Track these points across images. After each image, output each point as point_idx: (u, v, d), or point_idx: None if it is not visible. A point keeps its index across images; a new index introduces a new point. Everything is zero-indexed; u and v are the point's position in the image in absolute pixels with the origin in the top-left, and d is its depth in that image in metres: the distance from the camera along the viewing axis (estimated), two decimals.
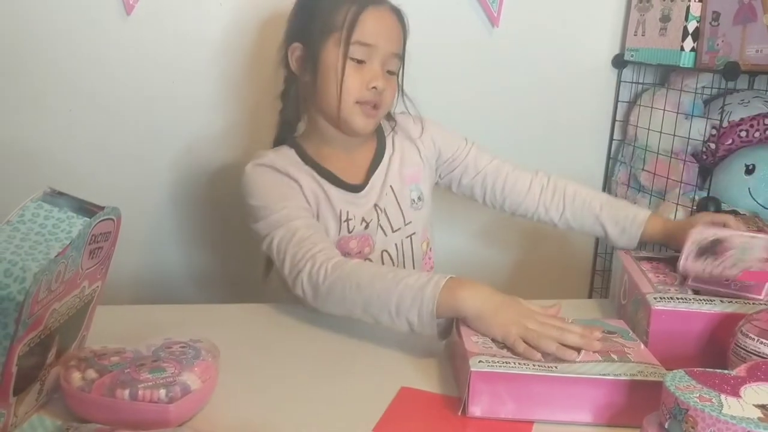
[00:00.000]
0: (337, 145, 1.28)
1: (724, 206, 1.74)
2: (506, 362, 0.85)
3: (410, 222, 1.32)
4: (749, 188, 1.77)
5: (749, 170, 1.78)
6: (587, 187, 1.39)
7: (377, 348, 1.03)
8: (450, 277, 0.97)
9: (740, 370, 0.81)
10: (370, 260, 1.27)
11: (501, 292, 0.97)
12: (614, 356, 0.88)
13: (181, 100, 1.63)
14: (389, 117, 1.35)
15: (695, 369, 0.80)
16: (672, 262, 1.21)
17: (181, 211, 1.71)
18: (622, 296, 1.17)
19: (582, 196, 1.35)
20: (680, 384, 0.76)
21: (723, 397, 0.74)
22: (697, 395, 0.74)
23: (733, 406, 0.72)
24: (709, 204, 1.69)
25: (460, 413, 0.84)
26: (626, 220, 1.29)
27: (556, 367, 0.84)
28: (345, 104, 1.20)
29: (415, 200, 1.33)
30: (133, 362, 0.82)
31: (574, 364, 0.85)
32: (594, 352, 0.89)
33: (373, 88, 1.20)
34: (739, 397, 0.75)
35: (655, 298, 1.02)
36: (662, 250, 1.76)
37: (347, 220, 1.25)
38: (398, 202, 1.31)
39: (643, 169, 1.86)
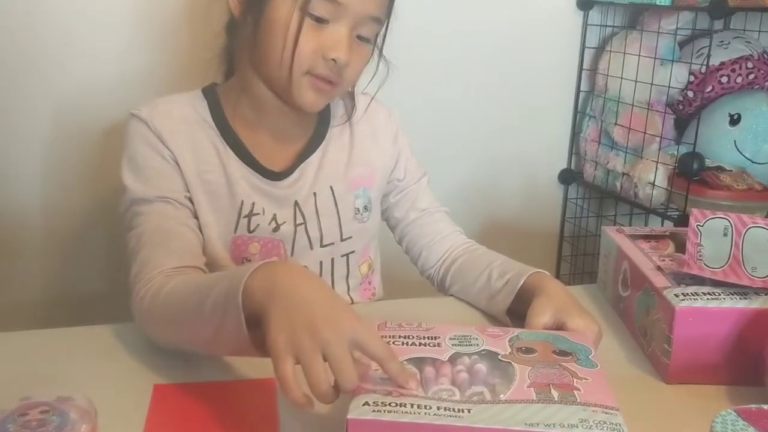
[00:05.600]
0: (269, 117, 0.98)
1: (708, 162, 1.55)
2: (401, 405, 0.63)
3: (349, 237, 1.02)
4: (735, 140, 1.58)
5: (734, 120, 1.59)
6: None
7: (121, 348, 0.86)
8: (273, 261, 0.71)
9: None
10: None
11: (328, 288, 0.71)
12: (555, 393, 0.66)
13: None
14: (349, 96, 1.05)
15: (749, 407, 0.60)
16: (674, 239, 1.00)
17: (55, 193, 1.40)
18: (621, 287, 0.96)
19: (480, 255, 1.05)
20: None
21: None
22: None
23: None
24: (694, 161, 1.50)
25: None
26: (512, 271, 0.95)
27: (469, 411, 0.62)
28: (290, 73, 0.90)
29: (360, 210, 1.03)
30: None
31: (495, 405, 0.63)
32: (528, 386, 0.66)
33: (332, 60, 0.89)
34: None
35: (676, 295, 0.81)
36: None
37: (251, 214, 0.96)
38: (337, 210, 1.01)
39: (615, 124, 1.65)
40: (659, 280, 0.86)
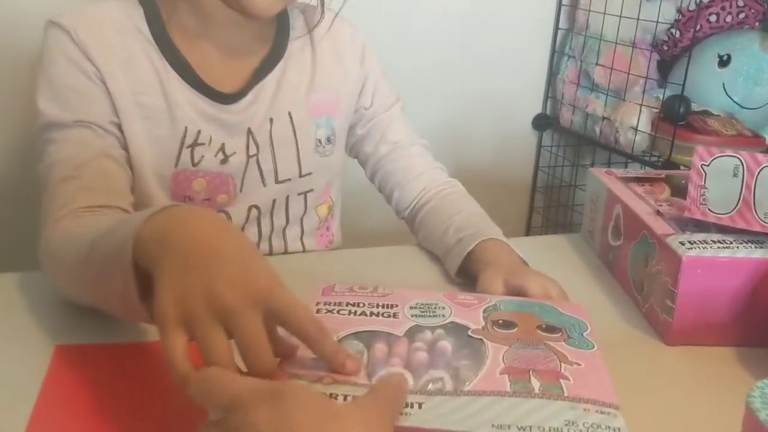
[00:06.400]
0: (215, 27, 0.82)
1: (694, 106, 1.44)
2: (331, 396, 0.48)
3: (309, 173, 0.89)
4: (723, 83, 1.47)
5: (723, 61, 1.47)
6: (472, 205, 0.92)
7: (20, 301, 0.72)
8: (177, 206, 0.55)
9: None
10: (227, 213, 0.85)
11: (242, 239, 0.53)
12: (535, 383, 0.51)
13: None
14: (311, 9, 0.91)
15: None
16: (669, 182, 0.89)
17: None
18: (612, 235, 0.84)
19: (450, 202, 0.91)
20: None
21: None
22: None
23: None
24: (680, 104, 1.39)
25: None
26: (469, 229, 0.82)
27: (420, 406, 0.48)
28: None
29: (323, 142, 0.90)
30: None
31: (456, 397, 0.49)
32: (501, 373, 0.52)
33: None
34: None
35: (682, 243, 0.69)
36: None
37: (195, 144, 0.82)
38: (296, 140, 0.88)
39: (596, 64, 1.53)
40: (660, 226, 0.74)
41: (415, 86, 1.52)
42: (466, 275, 0.79)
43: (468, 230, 0.82)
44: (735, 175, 0.74)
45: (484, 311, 0.60)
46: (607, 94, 1.52)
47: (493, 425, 0.46)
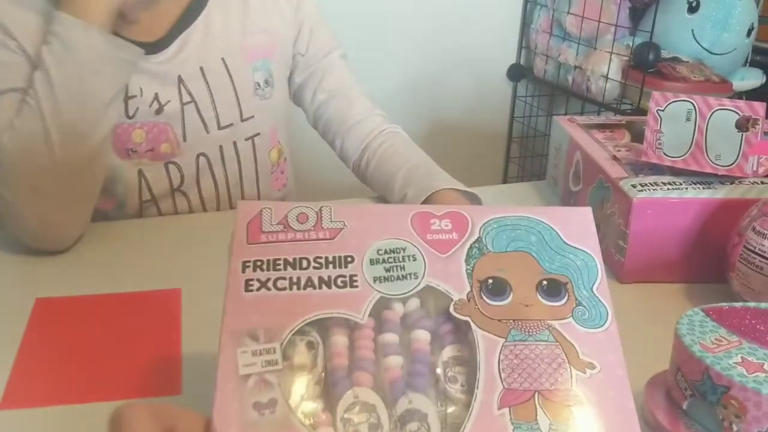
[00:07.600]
0: None
1: (664, 53, 1.46)
2: None
3: (251, 117, 0.91)
4: (693, 30, 1.49)
5: (693, 8, 1.49)
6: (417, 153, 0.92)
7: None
8: None
9: None
10: (176, 164, 0.87)
11: None
12: (543, 421, 0.40)
13: None
14: None
15: (719, 306, 0.52)
16: (630, 128, 0.91)
17: None
18: (572, 181, 0.87)
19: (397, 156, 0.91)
20: (706, 338, 0.48)
21: None
22: (739, 358, 0.45)
23: None
24: (650, 51, 1.40)
25: None
26: (412, 186, 0.84)
27: None
28: None
29: (261, 84, 0.90)
30: None
31: None
32: (500, 407, 0.40)
33: None
34: None
35: (633, 186, 0.72)
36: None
37: (128, 98, 0.81)
38: (233, 85, 0.88)
39: (568, 12, 1.54)
40: (615, 171, 0.77)
41: (390, 39, 1.53)
42: None
43: (413, 187, 0.83)
44: (688, 120, 0.77)
45: (467, 256, 0.45)
46: (578, 43, 1.53)
47: None
